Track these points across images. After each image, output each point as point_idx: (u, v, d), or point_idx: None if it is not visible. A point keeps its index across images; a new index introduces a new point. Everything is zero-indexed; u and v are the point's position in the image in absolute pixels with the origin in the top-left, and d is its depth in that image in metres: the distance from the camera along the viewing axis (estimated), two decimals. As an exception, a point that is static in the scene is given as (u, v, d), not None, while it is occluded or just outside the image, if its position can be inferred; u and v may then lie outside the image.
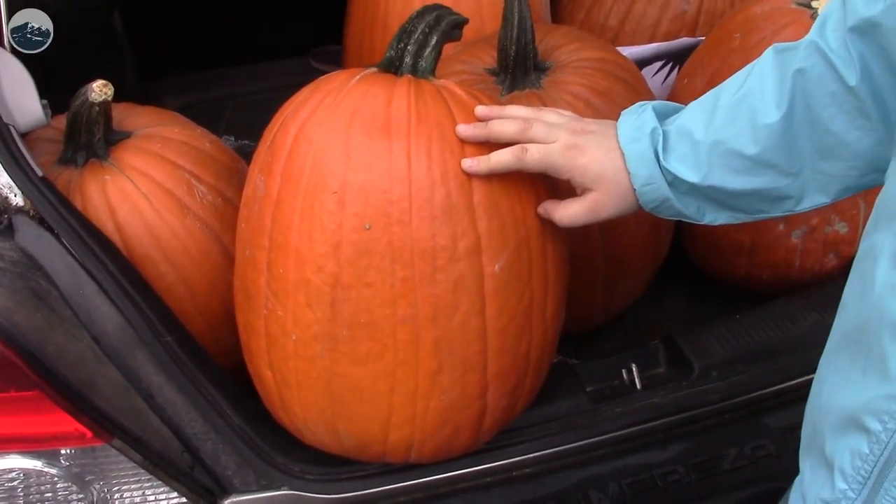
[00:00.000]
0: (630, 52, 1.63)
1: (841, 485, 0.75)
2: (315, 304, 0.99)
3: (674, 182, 0.97)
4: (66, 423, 1.02)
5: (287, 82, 1.27)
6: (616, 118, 1.01)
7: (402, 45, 1.04)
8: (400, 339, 0.99)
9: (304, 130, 0.99)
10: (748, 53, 1.36)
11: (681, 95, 1.53)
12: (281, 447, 1.13)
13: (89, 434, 1.03)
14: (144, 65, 2.00)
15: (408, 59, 1.04)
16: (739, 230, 1.45)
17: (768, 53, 0.93)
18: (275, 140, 1.02)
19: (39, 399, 1.00)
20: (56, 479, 1.05)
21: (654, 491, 1.22)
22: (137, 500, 1.09)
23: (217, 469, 1.10)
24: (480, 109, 1.01)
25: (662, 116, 0.99)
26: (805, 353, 1.26)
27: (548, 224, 1.04)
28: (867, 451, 0.73)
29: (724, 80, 0.99)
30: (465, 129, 0.98)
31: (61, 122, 1.22)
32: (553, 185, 1.07)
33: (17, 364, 0.98)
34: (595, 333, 1.49)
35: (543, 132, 0.99)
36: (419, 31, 1.04)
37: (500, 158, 0.98)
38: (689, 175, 0.95)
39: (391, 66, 1.05)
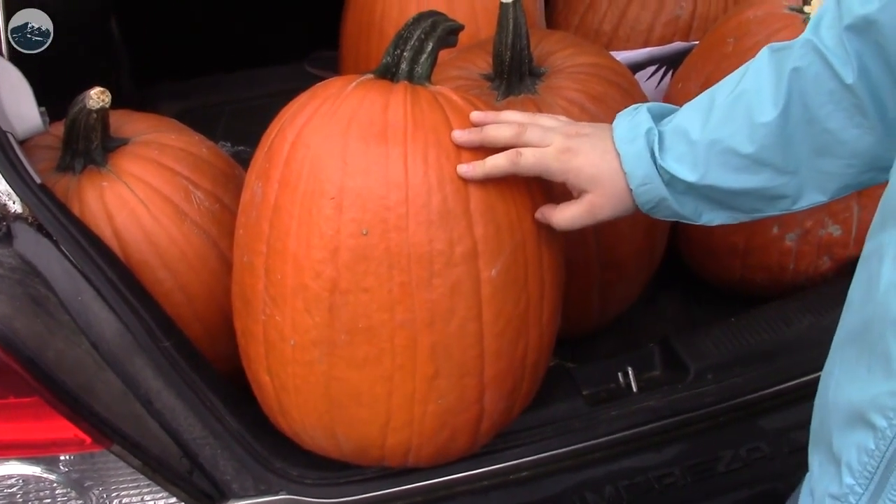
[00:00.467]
0: (624, 56, 1.64)
1: (848, 480, 0.76)
2: (313, 310, 0.99)
3: (671, 182, 0.97)
4: (65, 428, 1.02)
5: (283, 88, 1.28)
6: (611, 123, 1.01)
7: (399, 51, 1.05)
8: (397, 344, 0.99)
9: (301, 137, 1.00)
10: (741, 58, 1.35)
11: (675, 100, 1.53)
12: (279, 452, 1.13)
13: (88, 440, 1.03)
14: (141, 71, 2.00)
15: (404, 66, 1.04)
16: (734, 233, 1.46)
17: (763, 53, 0.94)
18: (272, 146, 1.03)
19: (38, 405, 1.00)
20: (55, 484, 1.05)
21: (651, 493, 1.22)
22: (136, 505, 1.09)
23: (216, 474, 1.10)
24: (476, 115, 1.01)
25: (657, 117, 0.99)
26: (800, 356, 1.28)
27: (544, 228, 1.05)
28: (873, 447, 0.73)
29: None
30: (460, 135, 0.99)
31: (59, 129, 1.22)
32: (549, 190, 1.07)
33: (16, 370, 0.98)
34: (591, 337, 1.49)
35: (538, 136, 0.99)
36: (415, 37, 1.04)
37: (496, 163, 0.98)
38: (687, 174, 0.95)
39: (387, 73, 1.05)
